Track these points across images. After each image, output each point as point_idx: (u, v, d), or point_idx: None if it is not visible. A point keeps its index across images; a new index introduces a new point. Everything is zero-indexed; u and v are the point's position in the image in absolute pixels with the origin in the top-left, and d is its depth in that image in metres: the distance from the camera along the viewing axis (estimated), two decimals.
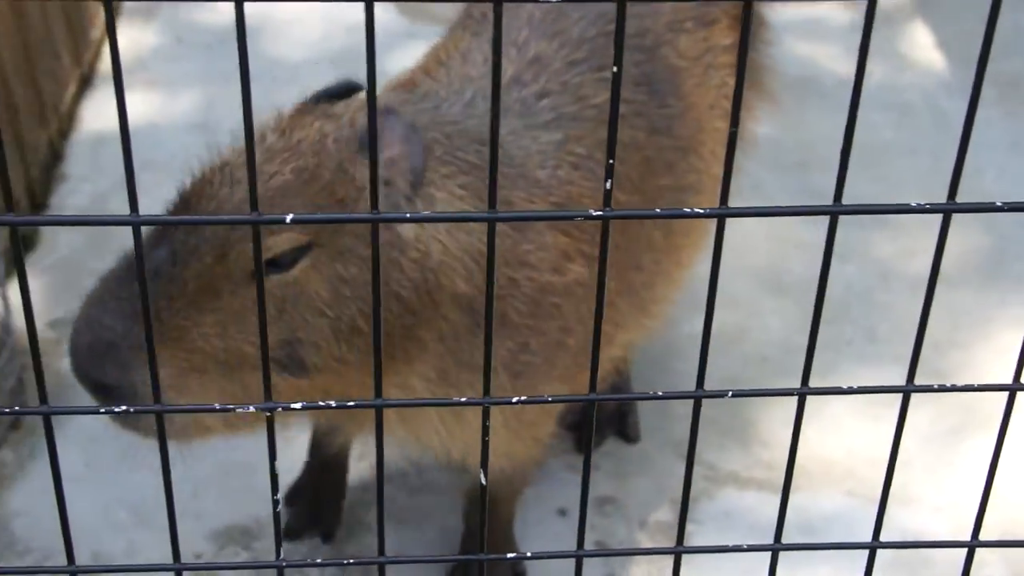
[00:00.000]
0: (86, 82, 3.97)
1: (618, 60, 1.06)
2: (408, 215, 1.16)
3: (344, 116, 2.18)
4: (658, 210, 1.17)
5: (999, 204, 1.20)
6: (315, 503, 2.89)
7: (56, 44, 3.67)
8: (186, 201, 2.14)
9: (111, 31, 1.01)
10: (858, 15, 4.48)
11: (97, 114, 3.87)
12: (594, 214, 1.14)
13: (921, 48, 4.31)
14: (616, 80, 1.06)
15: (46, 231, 3.50)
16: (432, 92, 2.46)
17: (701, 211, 1.16)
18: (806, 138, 3.90)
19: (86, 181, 3.68)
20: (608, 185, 1.13)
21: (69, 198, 3.61)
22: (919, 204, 1.19)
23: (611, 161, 1.12)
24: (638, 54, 2.61)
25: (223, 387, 2.18)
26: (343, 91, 2.31)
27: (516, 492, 2.73)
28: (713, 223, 1.90)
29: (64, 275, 3.37)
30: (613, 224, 1.17)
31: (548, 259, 2.36)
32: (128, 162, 1.11)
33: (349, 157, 2.11)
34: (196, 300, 2.08)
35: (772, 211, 1.17)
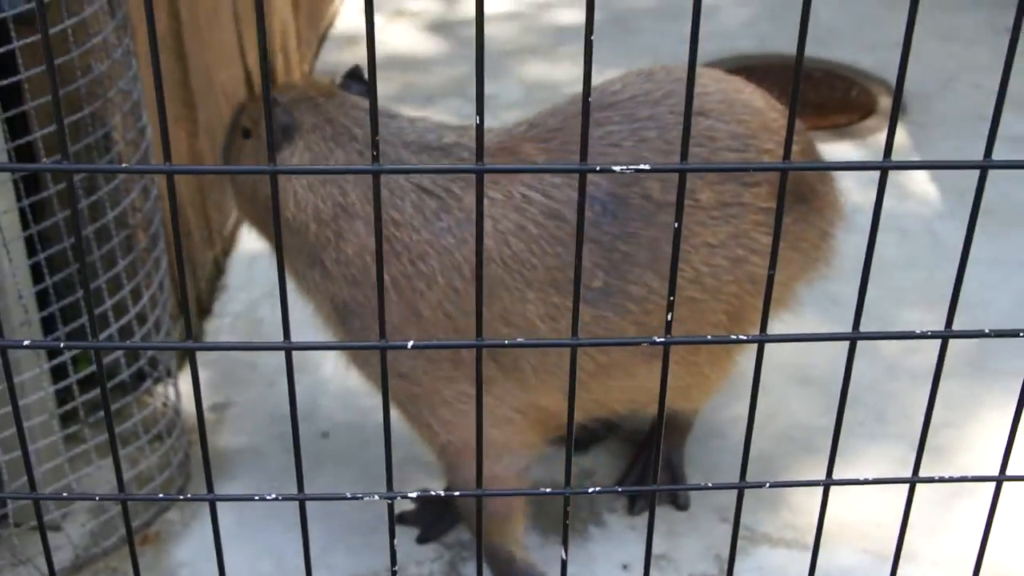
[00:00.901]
0: None
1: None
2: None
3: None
4: (709, 336, 1.17)
5: (987, 332, 1.19)
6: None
7: (223, 179, 3.75)
8: None
9: (274, 194, 1.04)
10: (867, 151, 4.48)
11: (252, 236, 3.93)
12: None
13: (918, 182, 4.28)
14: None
15: (209, 329, 3.55)
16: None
17: (744, 337, 1.16)
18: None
19: (242, 291, 3.73)
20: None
21: (229, 304, 3.66)
22: (922, 332, 1.18)
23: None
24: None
25: None
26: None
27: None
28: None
29: (224, 366, 3.41)
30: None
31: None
32: (283, 287, 1.13)
33: None
34: None
35: (803, 338, 1.17)
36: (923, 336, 1.18)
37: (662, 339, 1.14)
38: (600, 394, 2.48)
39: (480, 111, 1.00)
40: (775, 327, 2.96)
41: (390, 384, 3.03)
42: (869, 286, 3.91)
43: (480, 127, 1.01)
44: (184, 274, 1.12)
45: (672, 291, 1.12)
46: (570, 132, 2.37)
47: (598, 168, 1.03)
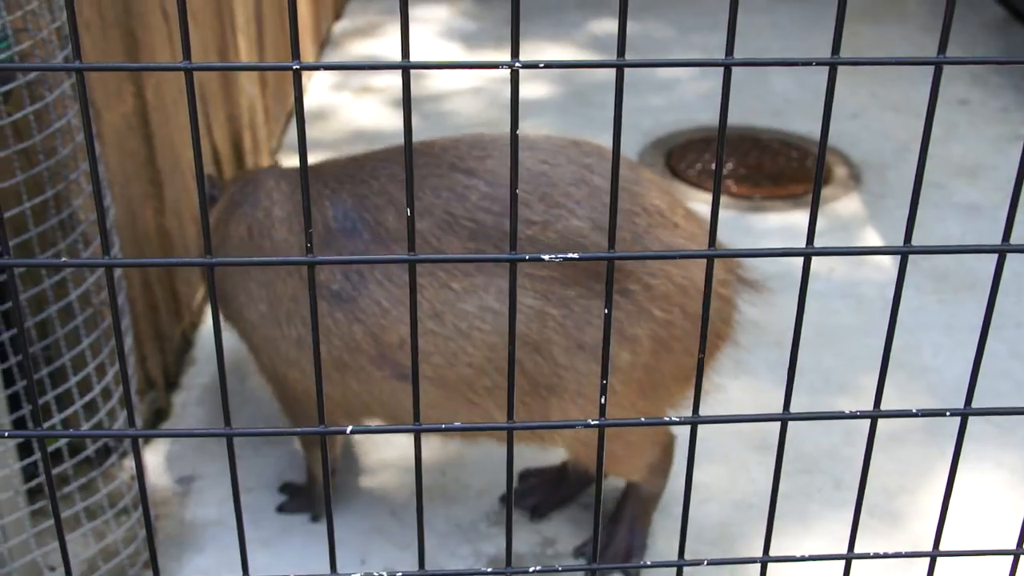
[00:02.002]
0: None
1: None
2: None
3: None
4: (642, 419, 1.17)
5: (914, 411, 1.20)
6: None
7: (191, 255, 3.75)
8: None
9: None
10: (824, 220, 4.52)
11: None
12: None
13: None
14: None
15: (177, 402, 3.53)
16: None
17: (677, 419, 1.17)
18: (781, 322, 3.90)
19: (209, 363, 3.72)
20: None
21: (196, 378, 3.65)
22: (851, 412, 1.19)
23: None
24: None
25: None
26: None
27: None
28: None
29: (190, 439, 3.39)
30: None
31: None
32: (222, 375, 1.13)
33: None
34: None
35: (735, 419, 1.18)
36: (852, 416, 1.18)
37: (596, 421, 1.14)
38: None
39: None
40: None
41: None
42: (827, 353, 3.90)
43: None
44: (125, 361, 1.12)
45: (604, 374, 1.13)
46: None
47: (527, 257, 1.04)
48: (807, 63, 0.98)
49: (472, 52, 6.05)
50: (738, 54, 5.84)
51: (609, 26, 6.35)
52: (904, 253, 1.10)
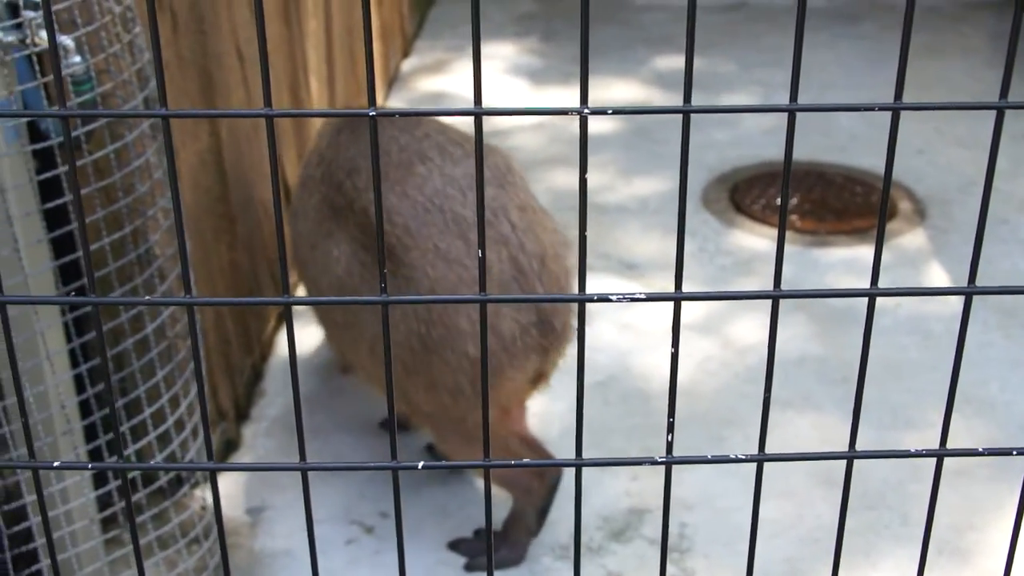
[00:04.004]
0: (280, 319, 4.08)
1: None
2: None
3: None
4: (708, 456, 1.18)
5: (980, 450, 1.19)
6: None
7: (262, 289, 3.81)
8: None
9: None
10: (889, 254, 4.49)
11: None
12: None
13: (939, 282, 4.29)
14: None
15: (247, 434, 3.58)
16: None
17: (743, 457, 1.17)
18: (848, 357, 3.87)
19: (280, 395, 3.76)
20: None
21: (267, 409, 3.70)
22: (916, 451, 1.19)
23: None
24: None
25: None
26: None
27: None
28: None
29: (262, 472, 3.43)
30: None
31: None
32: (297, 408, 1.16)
33: None
34: None
35: (801, 457, 1.19)
36: (918, 455, 1.18)
37: (662, 458, 1.15)
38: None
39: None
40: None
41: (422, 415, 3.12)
42: (894, 390, 3.86)
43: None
44: (205, 399, 1.15)
45: (671, 413, 1.14)
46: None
47: (595, 298, 1.06)
48: (869, 108, 0.99)
49: (538, 89, 6.10)
50: (802, 89, 5.84)
51: (674, 63, 6.37)
52: (969, 293, 1.10)
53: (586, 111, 0.93)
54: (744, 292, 1.04)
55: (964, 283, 4.53)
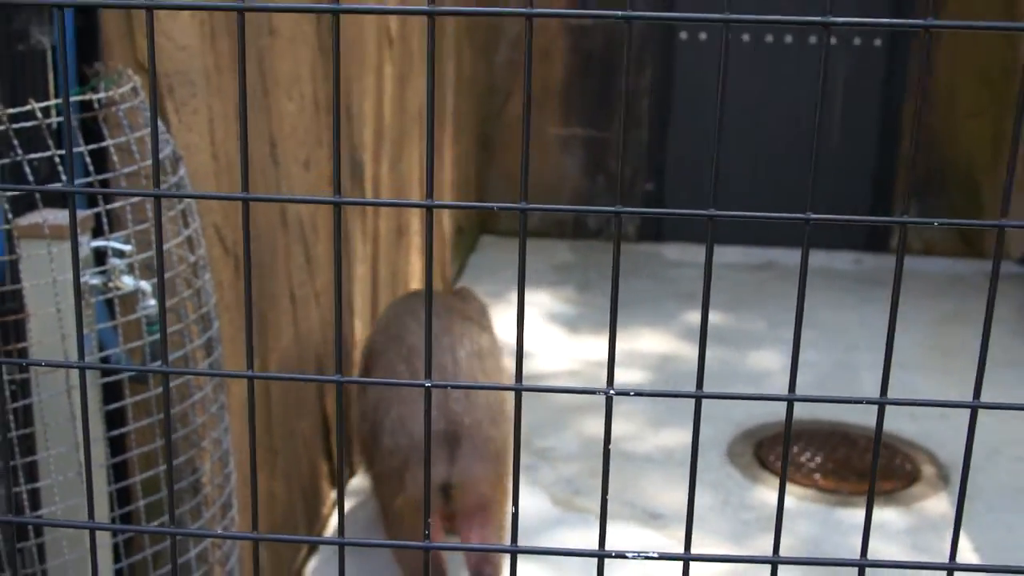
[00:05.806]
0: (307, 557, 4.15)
1: None
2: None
3: None
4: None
5: None
6: None
7: (296, 521, 3.92)
8: None
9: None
10: (912, 517, 4.55)
11: (318, 569, 4.06)
12: None
13: (963, 553, 4.33)
14: None
15: None
16: None
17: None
18: None
19: None
20: None
21: None
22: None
23: None
24: None
25: None
26: None
27: None
28: None
29: None
30: None
31: None
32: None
33: None
34: None
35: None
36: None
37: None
38: None
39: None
40: None
41: None
42: None
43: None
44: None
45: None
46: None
47: (613, 554, 1.19)
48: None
49: (572, 336, 6.32)
50: (826, 349, 6.03)
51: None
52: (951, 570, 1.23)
53: (612, 392, 1.10)
54: (746, 556, 1.17)
55: (990, 551, 4.55)
